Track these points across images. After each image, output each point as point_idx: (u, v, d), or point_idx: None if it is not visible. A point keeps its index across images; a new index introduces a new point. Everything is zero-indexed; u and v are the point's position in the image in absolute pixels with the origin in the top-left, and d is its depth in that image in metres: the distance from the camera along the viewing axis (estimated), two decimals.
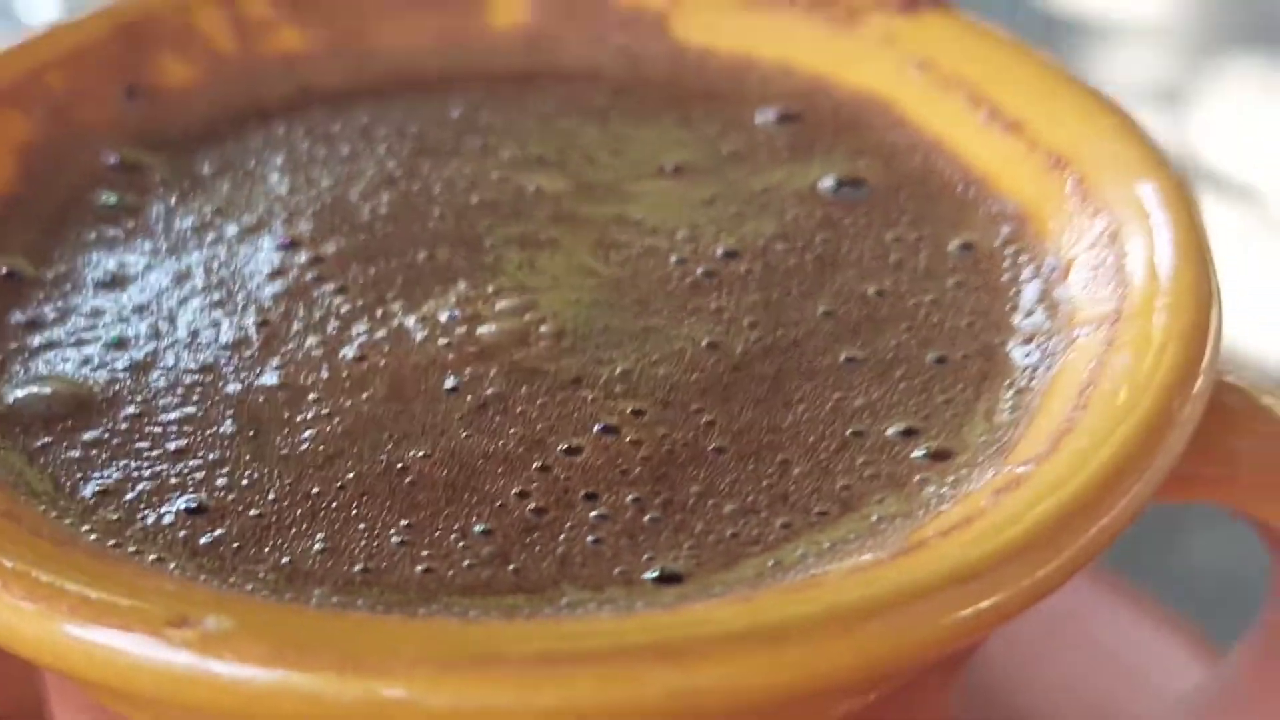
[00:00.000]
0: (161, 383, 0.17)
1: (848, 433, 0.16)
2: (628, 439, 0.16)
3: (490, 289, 0.18)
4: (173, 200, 0.19)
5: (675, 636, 0.13)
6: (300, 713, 0.13)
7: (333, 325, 0.17)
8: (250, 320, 0.17)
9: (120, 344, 0.17)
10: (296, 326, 0.17)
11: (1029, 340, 0.17)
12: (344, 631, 0.13)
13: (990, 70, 0.19)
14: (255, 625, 0.13)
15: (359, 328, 0.17)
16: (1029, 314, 0.17)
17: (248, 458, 0.16)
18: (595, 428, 0.16)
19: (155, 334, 0.17)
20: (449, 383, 0.17)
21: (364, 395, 0.16)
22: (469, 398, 0.16)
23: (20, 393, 0.16)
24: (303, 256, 0.18)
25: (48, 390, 0.16)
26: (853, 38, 0.20)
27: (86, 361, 0.17)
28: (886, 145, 0.19)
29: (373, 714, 0.13)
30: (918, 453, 0.16)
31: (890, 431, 0.16)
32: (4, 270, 0.18)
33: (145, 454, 0.16)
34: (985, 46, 0.19)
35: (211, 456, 0.16)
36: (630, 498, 0.15)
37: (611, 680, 0.13)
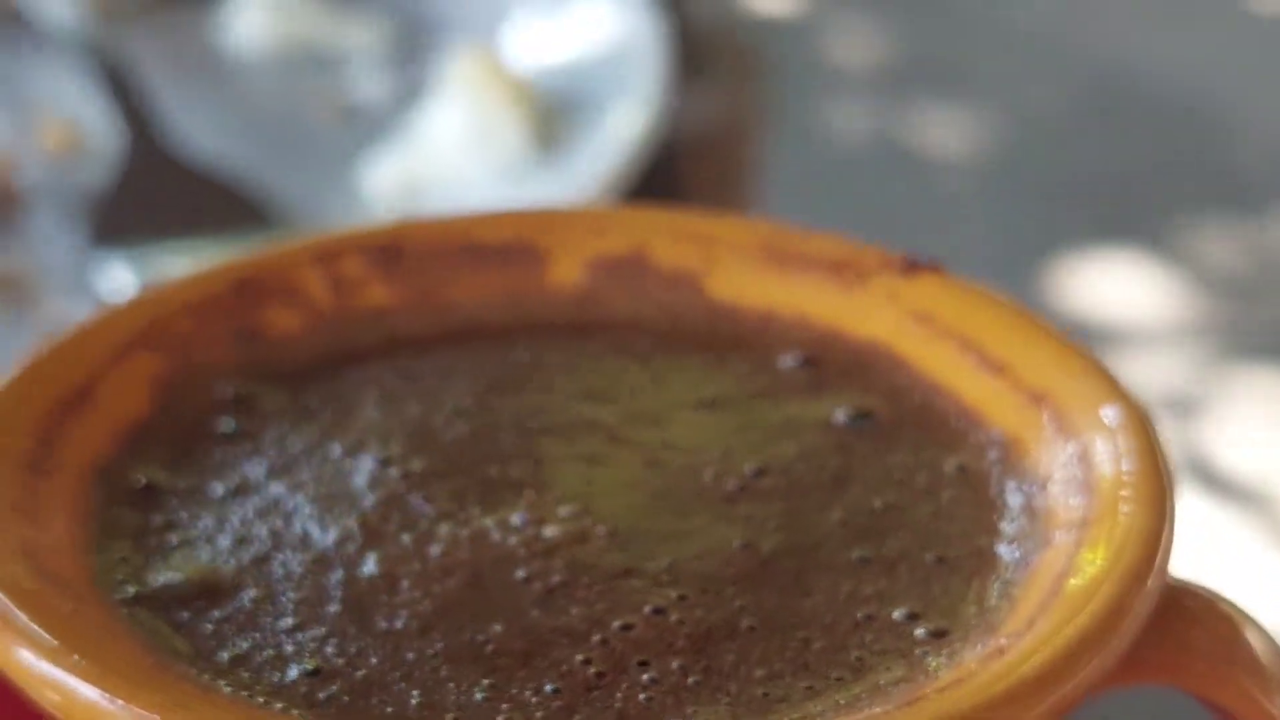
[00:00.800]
0: (280, 571, 0.20)
1: (859, 615, 0.19)
2: (673, 618, 0.19)
3: (553, 497, 0.21)
4: (284, 426, 0.22)
5: None
6: None
7: (422, 525, 0.20)
8: (353, 522, 0.20)
9: (243, 541, 0.20)
10: (392, 527, 0.20)
11: (1013, 542, 0.20)
12: None
13: (978, 322, 0.23)
14: None
15: (444, 528, 0.20)
16: (1013, 521, 0.20)
17: (354, 631, 0.19)
18: (646, 609, 0.19)
19: (273, 533, 0.20)
20: (520, 573, 0.20)
21: (450, 582, 0.19)
22: (538, 584, 0.19)
23: (163, 578, 0.20)
24: (395, 471, 0.21)
25: (184, 577, 0.20)
26: (861, 295, 0.24)
27: (216, 555, 0.20)
28: (891, 385, 0.23)
29: None
30: (919, 631, 0.19)
31: (896, 615, 0.19)
32: (144, 482, 0.21)
33: (268, 628, 0.19)
34: (974, 302, 0.23)
35: (323, 630, 0.19)
36: (676, 664, 0.18)
37: None
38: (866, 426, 0.22)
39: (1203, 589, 0.20)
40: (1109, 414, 0.21)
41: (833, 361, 0.23)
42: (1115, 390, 0.21)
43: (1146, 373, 2.00)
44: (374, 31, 0.56)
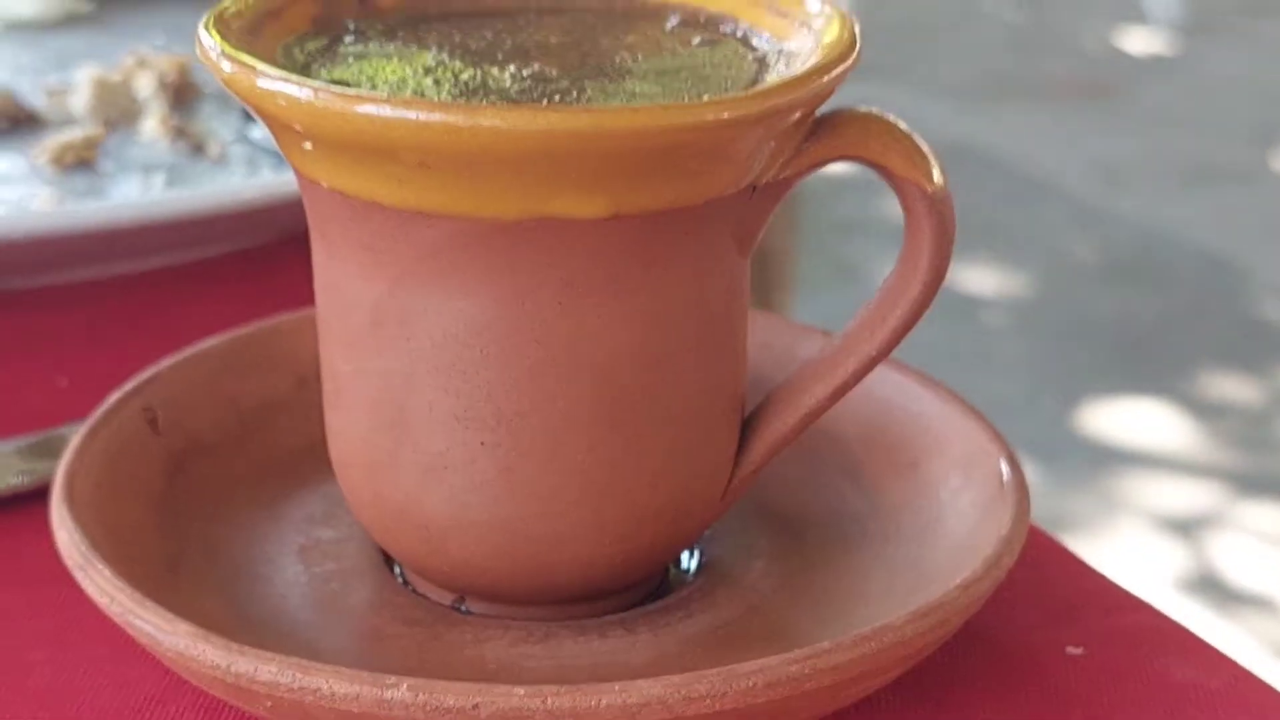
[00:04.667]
0: (376, 81, 0.37)
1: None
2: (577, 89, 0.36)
3: (526, 63, 0.38)
4: (382, 37, 0.39)
5: None
6: None
7: (457, 70, 0.37)
8: (420, 66, 0.37)
9: (360, 70, 0.37)
10: (443, 70, 0.37)
11: (782, 64, 0.37)
12: None
13: None
14: None
15: (468, 71, 0.37)
16: (778, 60, 0.37)
17: (417, 87, 0.36)
18: (565, 86, 0.36)
19: (374, 73, 0.37)
20: (508, 81, 0.36)
21: (475, 90, 0.36)
22: (517, 84, 0.36)
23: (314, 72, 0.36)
24: (445, 55, 0.38)
25: (327, 76, 0.36)
26: None
27: (344, 74, 0.37)
28: (727, 28, 0.40)
29: None
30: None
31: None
32: (306, 51, 0.38)
33: (372, 74, 0.36)
34: None
35: (395, 88, 0.36)
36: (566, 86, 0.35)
37: None
38: (708, 43, 0.39)
39: (873, 110, 0.37)
40: (826, 21, 0.37)
41: (696, 21, 0.40)
42: (835, 13, 0.38)
43: (1164, 499, 2.13)
44: None
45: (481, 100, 0.35)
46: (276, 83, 0.34)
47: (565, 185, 0.34)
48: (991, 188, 2.85)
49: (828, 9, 0.38)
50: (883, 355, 0.38)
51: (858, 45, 0.36)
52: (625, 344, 0.36)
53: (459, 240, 0.35)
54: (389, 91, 0.36)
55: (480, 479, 0.36)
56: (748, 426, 0.39)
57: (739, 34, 0.39)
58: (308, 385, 0.45)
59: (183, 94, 0.63)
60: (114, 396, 0.42)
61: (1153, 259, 2.62)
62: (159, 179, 0.58)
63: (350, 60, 0.38)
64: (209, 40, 0.36)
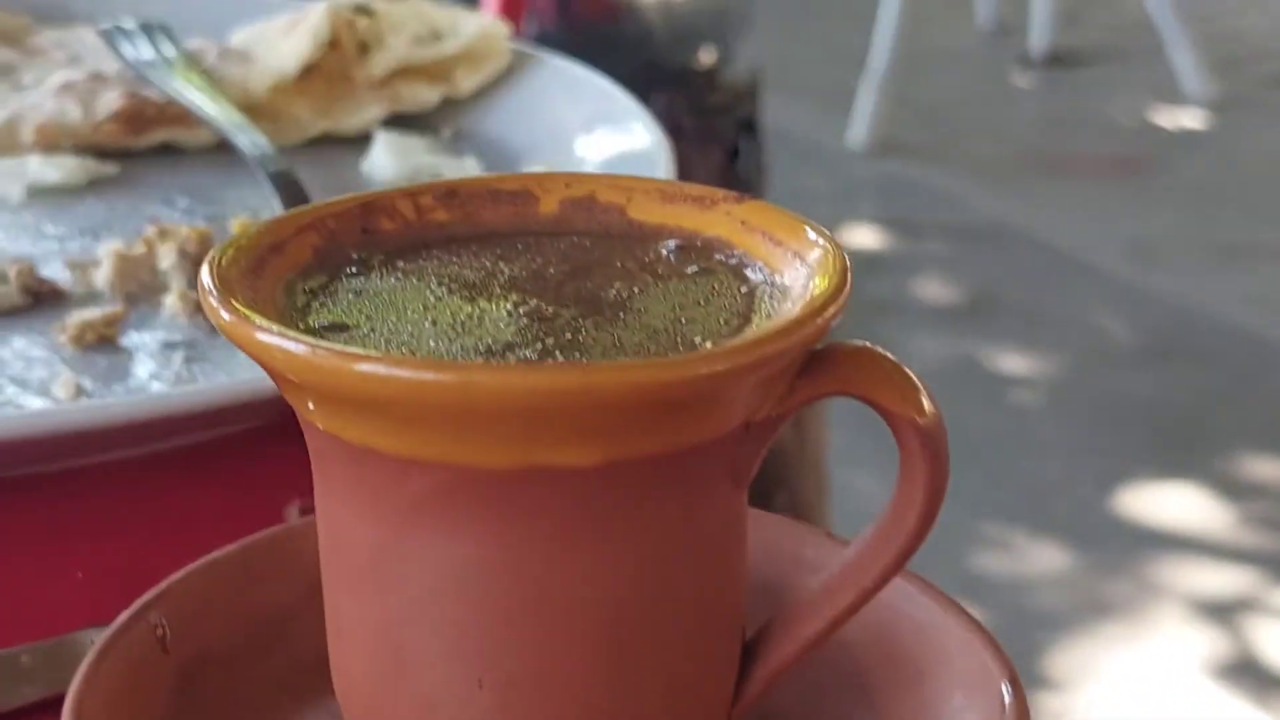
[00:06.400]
0: (378, 322, 0.37)
1: (676, 327, 0.36)
2: (582, 334, 0.36)
3: (525, 296, 0.38)
4: (384, 271, 0.40)
5: None
6: None
7: (456, 305, 0.37)
8: (421, 305, 0.37)
9: (360, 311, 0.37)
10: (444, 306, 0.37)
11: (764, 303, 0.37)
12: None
13: (769, 221, 0.40)
14: None
15: (467, 307, 0.37)
16: (763, 297, 0.37)
17: (410, 333, 0.36)
18: (565, 334, 0.36)
19: (374, 312, 0.37)
20: (504, 323, 0.36)
21: (472, 330, 0.36)
22: (513, 324, 0.36)
23: (314, 320, 0.37)
24: (445, 289, 0.38)
25: (327, 320, 0.37)
26: (711, 213, 0.41)
27: (344, 314, 0.37)
28: (722, 255, 0.40)
29: None
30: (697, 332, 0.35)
31: (696, 340, 0.36)
32: (308, 288, 0.38)
33: (367, 340, 0.36)
34: (768, 212, 0.40)
35: (392, 344, 0.36)
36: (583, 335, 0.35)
37: None
38: (702, 273, 0.39)
39: (865, 344, 0.37)
40: (821, 254, 0.37)
41: (692, 247, 0.40)
42: (829, 241, 0.38)
43: (1201, 582, 2.10)
44: (470, 163, 0.74)
45: (476, 343, 0.36)
46: (272, 337, 0.35)
47: (557, 437, 0.34)
48: (1026, 266, 2.84)
49: (822, 241, 0.38)
50: (879, 587, 0.38)
51: (848, 284, 0.36)
52: (619, 586, 0.36)
53: (453, 488, 0.35)
54: (384, 339, 0.36)
55: (478, 719, 0.36)
56: (748, 652, 0.39)
57: (732, 262, 0.39)
58: (320, 592, 0.45)
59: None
60: (123, 616, 0.42)
61: (1189, 338, 2.60)
62: (178, 356, 0.58)
63: (350, 298, 0.38)
64: (208, 283, 0.37)
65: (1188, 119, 3.39)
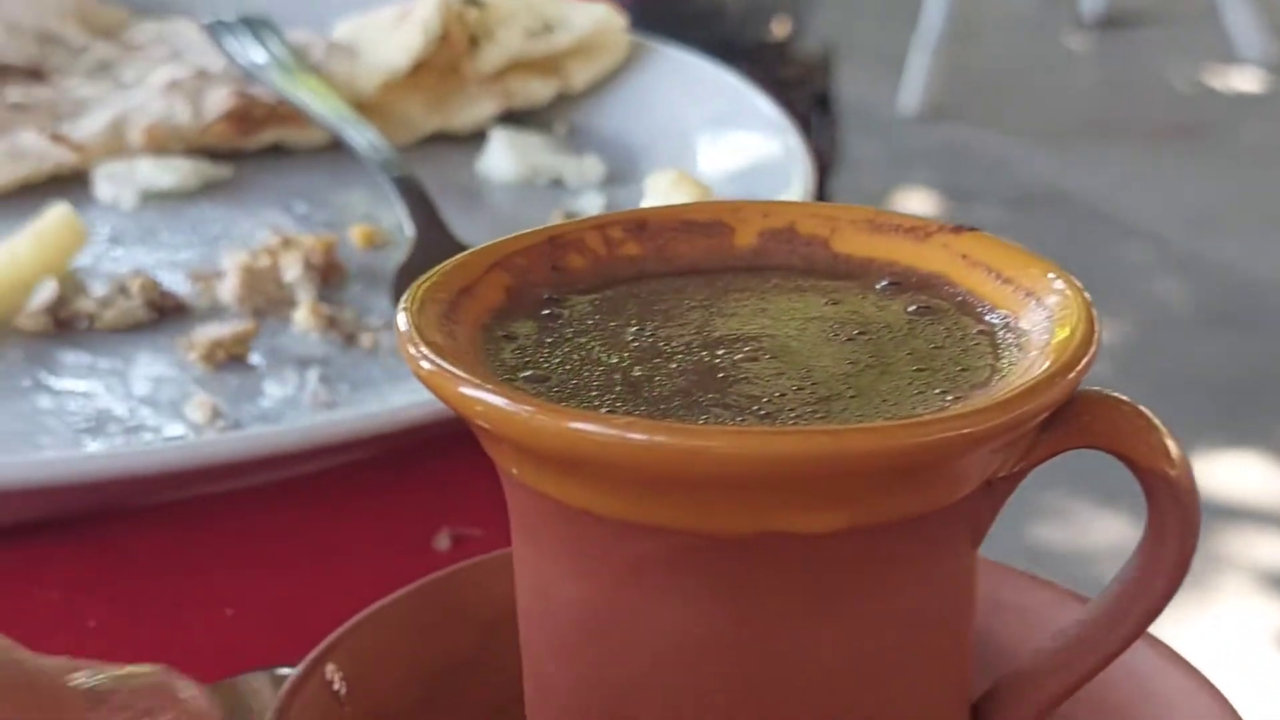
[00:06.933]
0: (581, 373, 0.34)
1: (915, 392, 0.33)
2: (806, 391, 0.33)
3: (740, 341, 0.35)
4: (577, 313, 0.37)
5: None
6: None
7: (666, 354, 0.35)
8: (623, 353, 0.35)
9: (556, 358, 0.35)
10: (647, 355, 0.35)
11: (1004, 357, 0.34)
12: None
13: (994, 256, 0.37)
14: None
15: (678, 357, 0.35)
16: (1006, 348, 0.34)
17: (626, 393, 0.33)
18: (792, 388, 0.33)
19: (573, 357, 0.35)
20: (720, 375, 0.34)
21: (681, 380, 0.34)
22: (731, 378, 0.34)
23: (514, 372, 0.34)
24: (645, 332, 0.36)
25: (526, 372, 0.34)
26: (926, 246, 0.38)
27: (540, 362, 0.35)
28: (943, 293, 0.37)
29: None
30: (948, 398, 0.33)
31: (936, 392, 0.33)
32: (503, 333, 0.36)
33: (573, 393, 0.33)
34: (993, 245, 0.37)
35: (607, 398, 0.33)
36: (809, 411, 0.32)
37: None
38: (926, 312, 0.36)
39: (1110, 393, 0.34)
40: (1057, 283, 0.35)
41: (908, 284, 0.38)
42: (1069, 283, 0.35)
43: (1266, 551, 2.07)
44: (591, 163, 0.72)
45: (695, 399, 0.33)
46: (481, 393, 0.32)
47: (798, 502, 0.31)
48: (1084, 232, 2.80)
49: (1059, 280, 0.35)
50: (1122, 651, 0.35)
51: (1097, 332, 0.34)
52: (855, 653, 0.33)
53: (679, 552, 0.32)
54: (594, 392, 0.33)
55: None
56: (976, 717, 0.36)
57: (958, 300, 0.37)
58: (495, 636, 0.42)
59: (329, 275, 0.62)
60: (298, 670, 0.40)
61: (1249, 304, 2.56)
62: (313, 374, 0.56)
63: (547, 344, 0.36)
64: (406, 328, 0.34)
65: (1245, 81, 3.33)
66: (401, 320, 0.35)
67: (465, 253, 0.38)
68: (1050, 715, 0.36)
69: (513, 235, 0.39)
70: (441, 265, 0.37)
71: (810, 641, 0.33)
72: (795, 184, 0.61)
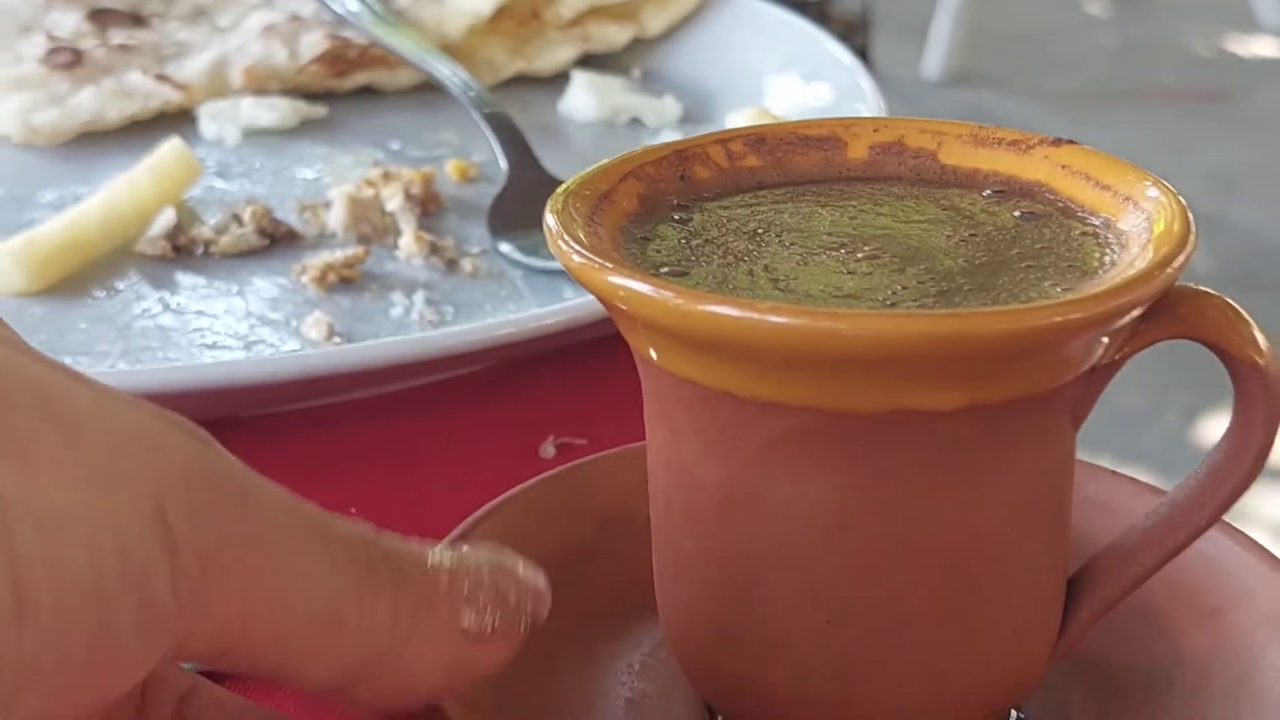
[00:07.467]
0: (711, 263, 0.37)
1: (1029, 287, 0.36)
2: (926, 286, 0.36)
3: (859, 243, 0.38)
4: (703, 218, 0.40)
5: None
6: None
7: (788, 249, 0.37)
8: (744, 245, 0.38)
9: (690, 253, 0.37)
10: (768, 249, 0.37)
11: (1108, 252, 0.37)
12: None
13: (1092, 165, 0.39)
14: None
15: (797, 253, 0.37)
16: (1108, 245, 0.37)
17: (747, 272, 0.36)
18: (913, 282, 0.36)
19: (702, 252, 0.38)
20: (844, 270, 0.37)
21: (806, 271, 0.37)
22: (855, 273, 0.36)
23: (651, 261, 0.37)
24: (766, 233, 0.39)
25: (662, 261, 0.37)
26: (1028, 157, 0.40)
27: (677, 258, 0.37)
28: (1045, 200, 0.40)
29: None
30: (1058, 289, 0.36)
31: (1046, 284, 0.36)
32: (640, 235, 0.39)
33: (710, 281, 0.36)
34: (1091, 156, 0.40)
35: (734, 287, 0.36)
36: (929, 302, 0.35)
37: None
38: (1031, 217, 0.39)
39: (1203, 289, 0.37)
40: (1154, 191, 0.37)
41: (1012, 191, 0.40)
42: (1164, 189, 0.38)
43: None
44: (669, 103, 0.74)
45: (822, 289, 0.36)
46: (633, 281, 0.35)
47: (926, 381, 0.34)
48: None
49: (1153, 185, 0.38)
50: (1210, 525, 0.38)
51: (1193, 229, 0.36)
52: (973, 529, 0.36)
53: (813, 430, 0.35)
54: (731, 286, 0.36)
55: (823, 658, 0.37)
56: (1072, 591, 0.39)
57: (1060, 207, 0.39)
58: (609, 529, 0.45)
59: (428, 205, 0.64)
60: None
61: (1271, 267, 2.58)
62: (419, 297, 0.59)
63: (685, 247, 0.38)
64: (555, 227, 0.37)
65: (1265, 48, 3.34)
66: (550, 220, 0.37)
67: (599, 164, 0.40)
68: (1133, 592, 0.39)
69: (641, 149, 0.41)
70: (579, 175, 0.40)
71: (931, 514, 0.36)
72: (868, 110, 0.64)
